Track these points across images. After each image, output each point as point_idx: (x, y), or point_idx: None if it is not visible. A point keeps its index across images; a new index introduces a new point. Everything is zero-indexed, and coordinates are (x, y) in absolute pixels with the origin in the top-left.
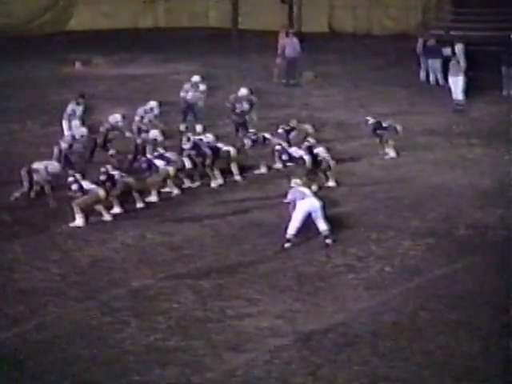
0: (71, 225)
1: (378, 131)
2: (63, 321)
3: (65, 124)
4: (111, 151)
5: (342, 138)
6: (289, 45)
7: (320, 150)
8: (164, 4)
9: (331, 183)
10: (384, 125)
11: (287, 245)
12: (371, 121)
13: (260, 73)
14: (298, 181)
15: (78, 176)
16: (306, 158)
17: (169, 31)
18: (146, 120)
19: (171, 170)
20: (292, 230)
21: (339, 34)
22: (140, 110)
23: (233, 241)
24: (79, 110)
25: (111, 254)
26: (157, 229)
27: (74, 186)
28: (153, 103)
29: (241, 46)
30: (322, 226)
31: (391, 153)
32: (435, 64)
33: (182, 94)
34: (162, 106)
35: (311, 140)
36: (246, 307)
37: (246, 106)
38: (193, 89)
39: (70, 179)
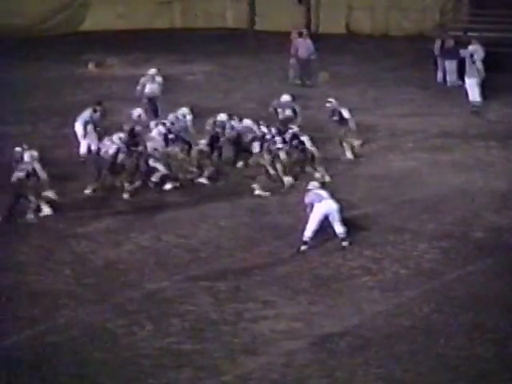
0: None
1: (335, 118)
2: (77, 323)
3: (79, 130)
4: (140, 148)
5: (358, 139)
6: (302, 45)
7: (305, 139)
8: (180, 4)
9: (318, 174)
10: (346, 116)
11: (304, 247)
12: (330, 105)
13: (276, 74)
14: (315, 183)
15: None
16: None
17: (184, 32)
18: (176, 126)
19: (200, 148)
20: (309, 232)
21: (357, 35)
22: (171, 117)
23: (249, 243)
24: (96, 117)
25: (126, 256)
26: (172, 230)
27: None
28: (184, 109)
29: (257, 46)
30: (339, 228)
31: (347, 153)
32: (453, 65)
33: (139, 87)
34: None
35: (295, 128)
36: (262, 310)
37: (288, 112)
38: (150, 82)
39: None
